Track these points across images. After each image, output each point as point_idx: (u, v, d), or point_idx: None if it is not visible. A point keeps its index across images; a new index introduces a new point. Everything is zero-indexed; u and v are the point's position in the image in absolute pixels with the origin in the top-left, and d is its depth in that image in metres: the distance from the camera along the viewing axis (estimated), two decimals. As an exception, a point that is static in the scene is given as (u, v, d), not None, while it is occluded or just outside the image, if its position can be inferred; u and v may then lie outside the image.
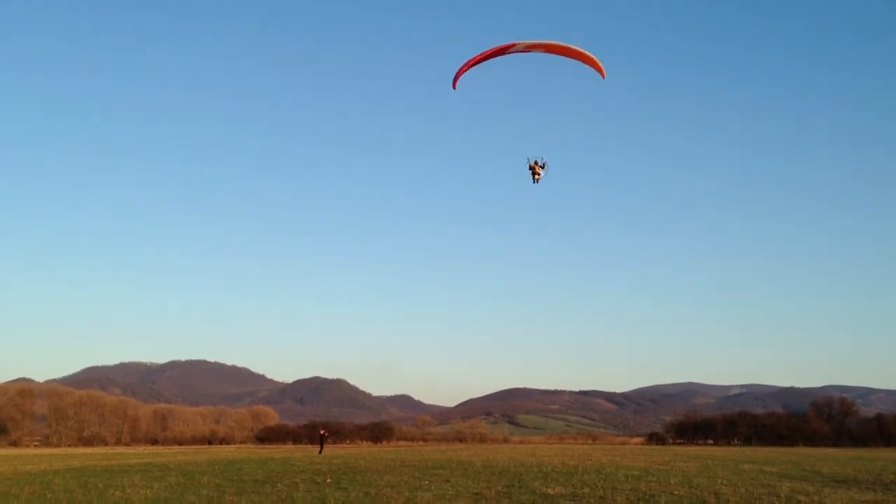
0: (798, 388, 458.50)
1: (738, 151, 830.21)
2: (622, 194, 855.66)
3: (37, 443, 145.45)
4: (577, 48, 25.40)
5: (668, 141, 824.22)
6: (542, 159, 28.53)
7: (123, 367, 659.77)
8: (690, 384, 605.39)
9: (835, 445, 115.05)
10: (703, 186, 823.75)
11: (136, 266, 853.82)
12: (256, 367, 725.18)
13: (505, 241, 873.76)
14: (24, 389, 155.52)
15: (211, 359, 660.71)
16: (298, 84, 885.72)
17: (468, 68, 26.05)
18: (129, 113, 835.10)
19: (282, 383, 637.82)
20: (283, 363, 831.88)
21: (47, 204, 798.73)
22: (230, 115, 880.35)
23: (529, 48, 25.06)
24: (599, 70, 26.07)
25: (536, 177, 28.59)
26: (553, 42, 24.96)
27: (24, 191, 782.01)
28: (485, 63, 26.01)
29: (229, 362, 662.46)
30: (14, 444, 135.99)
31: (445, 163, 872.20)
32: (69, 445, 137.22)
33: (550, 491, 22.83)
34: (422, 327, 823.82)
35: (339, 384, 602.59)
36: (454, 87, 26.47)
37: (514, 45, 24.89)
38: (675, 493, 22.58)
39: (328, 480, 27.50)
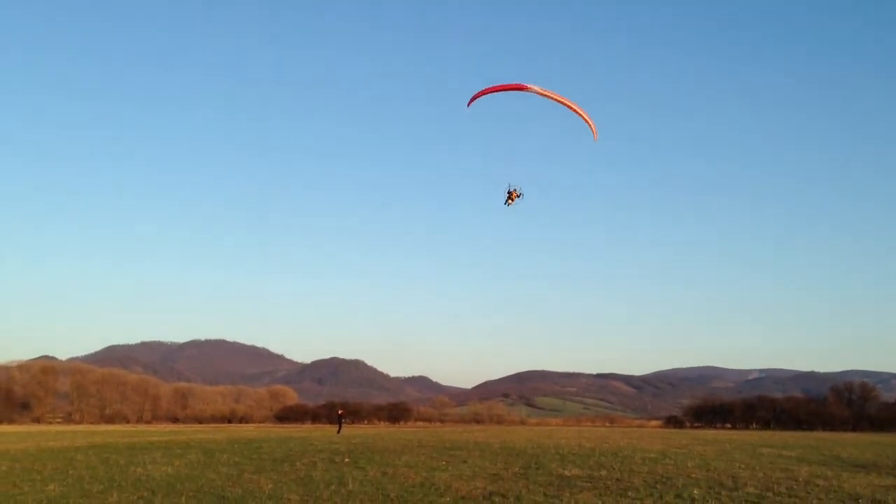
0: (818, 373, 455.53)
1: (755, 136, 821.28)
2: (640, 177, 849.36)
3: (59, 420, 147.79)
4: (581, 110, 29.00)
5: (690, 126, 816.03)
6: (520, 188, 30.73)
7: (144, 346, 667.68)
8: (709, 368, 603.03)
9: (854, 430, 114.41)
10: (722, 171, 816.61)
11: (158, 246, 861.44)
12: (275, 348, 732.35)
13: (525, 222, 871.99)
14: (46, 367, 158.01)
15: (230, 338, 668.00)
16: (314, 73, 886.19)
17: (485, 94, 28.83)
18: (153, 91, 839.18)
19: (300, 363, 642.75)
20: (301, 343, 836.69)
21: (71, 183, 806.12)
22: (257, 98, 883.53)
23: (543, 94, 28.02)
24: (593, 132, 29.95)
25: (510, 201, 30.85)
26: (563, 98, 28.45)
27: (46, 171, 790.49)
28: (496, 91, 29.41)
29: (248, 342, 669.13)
30: (37, 420, 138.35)
31: (461, 145, 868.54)
32: (91, 422, 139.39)
33: (567, 473, 22.84)
34: (440, 309, 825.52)
35: (358, 365, 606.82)
36: (468, 106, 29.56)
37: (530, 88, 27.82)
38: (693, 476, 22.50)
39: (346, 460, 27.67)
